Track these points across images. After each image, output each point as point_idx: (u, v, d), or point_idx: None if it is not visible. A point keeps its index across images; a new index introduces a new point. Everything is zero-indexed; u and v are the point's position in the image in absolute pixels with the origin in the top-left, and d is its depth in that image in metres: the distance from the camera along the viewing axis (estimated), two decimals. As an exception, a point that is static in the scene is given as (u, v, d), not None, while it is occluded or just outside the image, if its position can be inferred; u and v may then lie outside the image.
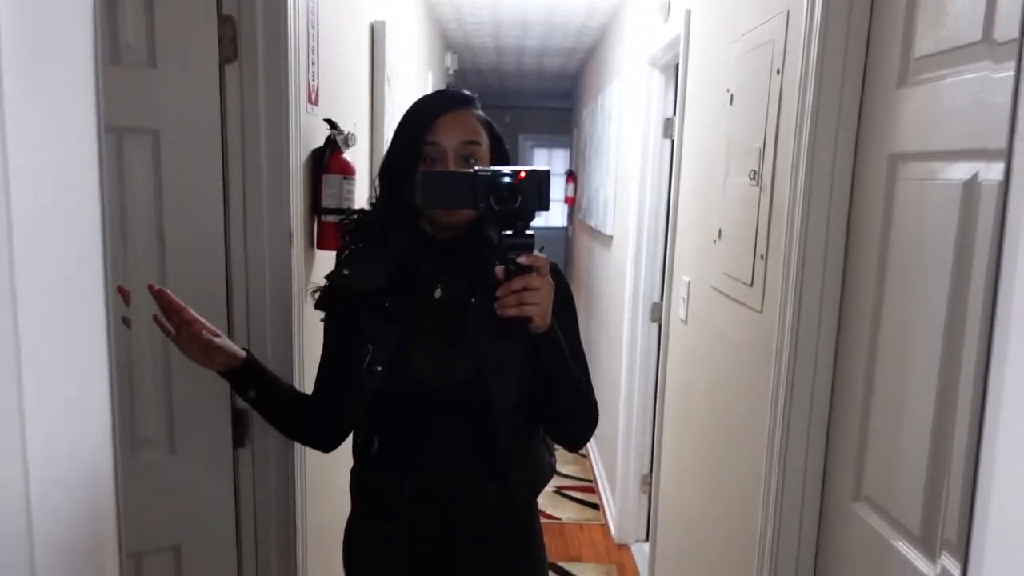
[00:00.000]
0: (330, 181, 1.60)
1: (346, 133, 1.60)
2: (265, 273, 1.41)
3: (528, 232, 1.03)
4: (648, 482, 3.09)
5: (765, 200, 1.42)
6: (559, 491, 3.82)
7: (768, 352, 1.38)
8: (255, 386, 1.26)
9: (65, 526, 0.67)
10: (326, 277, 1.23)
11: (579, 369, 1.19)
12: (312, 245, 1.66)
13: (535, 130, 9.04)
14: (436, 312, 1.19)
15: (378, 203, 1.25)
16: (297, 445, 1.52)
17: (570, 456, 4.30)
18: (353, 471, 1.30)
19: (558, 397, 1.17)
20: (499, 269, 1.01)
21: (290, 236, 1.42)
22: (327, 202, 1.61)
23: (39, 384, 0.57)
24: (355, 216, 1.27)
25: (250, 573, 1.52)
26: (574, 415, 1.21)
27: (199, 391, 1.40)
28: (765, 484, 1.44)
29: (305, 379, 1.55)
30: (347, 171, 1.60)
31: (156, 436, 1.39)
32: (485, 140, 1.19)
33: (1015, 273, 0.52)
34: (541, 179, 1.04)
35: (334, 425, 1.31)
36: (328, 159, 1.58)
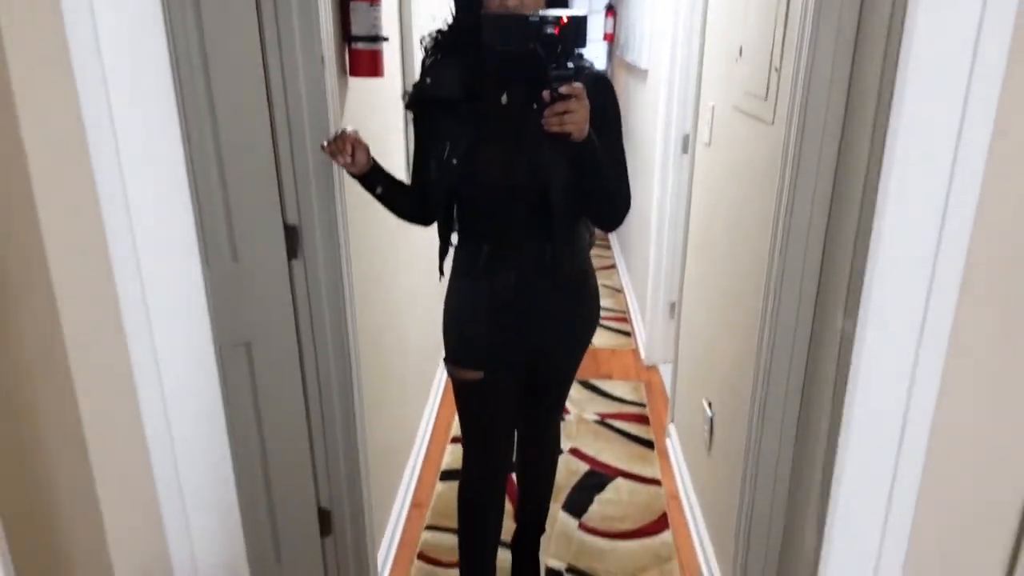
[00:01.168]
0: (358, 8, 1.65)
1: (371, -43, 1.63)
2: (302, 94, 1.51)
3: (569, 66, 1.30)
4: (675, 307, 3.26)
5: (782, 10, 1.44)
6: (594, 320, 4.04)
7: (777, 162, 1.46)
8: (381, 182, 1.58)
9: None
10: (413, 86, 1.55)
11: (618, 167, 1.50)
12: (345, 72, 1.74)
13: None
14: (503, 116, 1.47)
15: (453, 22, 1.50)
16: (343, 257, 1.69)
17: (604, 291, 4.49)
18: (441, 247, 1.66)
19: (595, 190, 1.46)
20: (545, 94, 1.28)
21: (322, 60, 1.50)
22: (356, 29, 1.68)
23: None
24: (435, 34, 1.51)
25: (311, 368, 1.75)
26: (606, 205, 1.52)
27: (253, 208, 1.56)
28: (765, 293, 1.57)
29: (345, 197, 1.69)
30: (373, -2, 1.65)
31: (221, 247, 1.57)
32: None
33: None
34: (580, 24, 1.30)
35: (429, 207, 1.63)
36: (355, -15, 1.63)
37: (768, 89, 1.52)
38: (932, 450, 0.80)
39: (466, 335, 1.66)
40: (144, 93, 0.96)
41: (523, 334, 1.65)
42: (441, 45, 1.52)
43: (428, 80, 1.51)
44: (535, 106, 1.29)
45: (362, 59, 1.69)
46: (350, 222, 1.78)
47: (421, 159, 1.61)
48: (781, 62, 1.44)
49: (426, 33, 1.55)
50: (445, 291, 1.72)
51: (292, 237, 1.64)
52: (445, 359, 1.71)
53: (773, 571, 1.78)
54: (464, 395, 1.70)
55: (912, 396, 0.75)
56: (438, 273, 1.71)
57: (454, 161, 1.49)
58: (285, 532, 1.84)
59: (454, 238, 1.67)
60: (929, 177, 0.73)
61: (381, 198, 1.62)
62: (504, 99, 1.47)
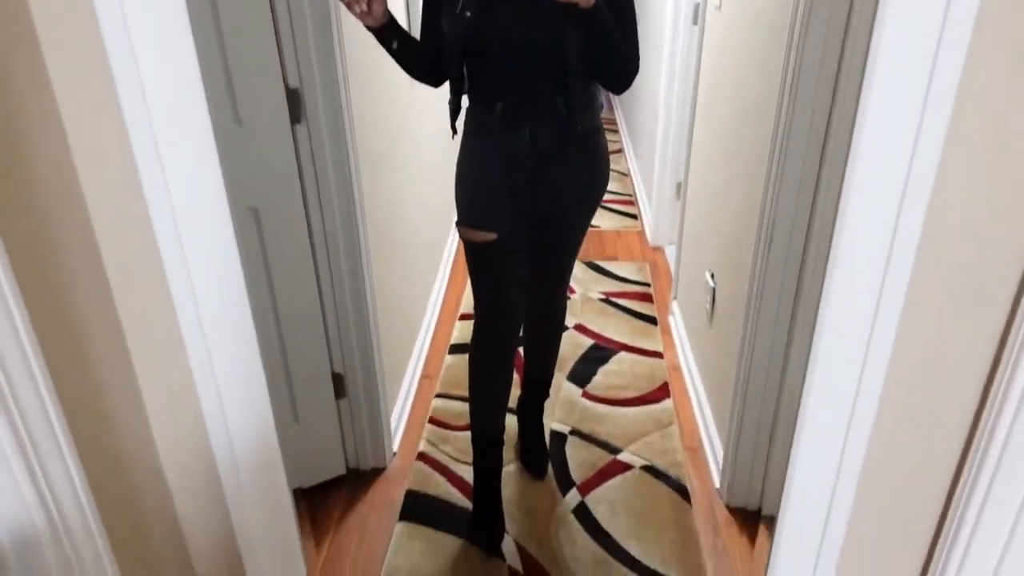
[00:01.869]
0: None
1: None
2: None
3: None
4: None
5: None
6: (600, 204, 4.03)
7: (786, 23, 1.42)
8: (397, 37, 1.56)
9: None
10: None
11: (627, 29, 1.51)
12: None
13: None
14: None
15: None
16: (347, 120, 1.68)
17: (612, 175, 4.46)
18: (452, 103, 1.64)
19: (605, 53, 1.49)
20: None
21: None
22: None
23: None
24: None
25: (319, 234, 1.78)
26: (616, 66, 1.55)
27: (253, 69, 1.54)
28: (770, 156, 1.56)
29: (346, 58, 1.66)
30: None
31: (224, 110, 1.56)
32: None
33: None
34: None
35: (440, 64, 1.63)
36: None
37: (783, -63, 1.46)
38: (908, 301, 0.82)
39: (480, 195, 1.67)
40: None
41: (537, 193, 1.67)
42: None
43: None
44: None
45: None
46: (355, 89, 1.76)
47: (432, 14, 1.60)
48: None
49: None
50: (457, 153, 1.72)
51: (294, 100, 1.62)
52: (458, 222, 1.73)
53: (767, 432, 1.86)
54: (478, 256, 1.73)
55: (891, 254, 0.77)
56: (451, 132, 1.70)
57: (467, 14, 1.48)
58: (301, 393, 1.92)
59: (465, 99, 1.66)
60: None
61: (396, 54, 1.59)
62: None
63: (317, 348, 1.90)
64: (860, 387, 0.89)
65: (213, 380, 1.10)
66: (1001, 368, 0.80)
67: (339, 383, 1.98)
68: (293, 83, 1.61)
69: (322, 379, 1.94)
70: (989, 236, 0.78)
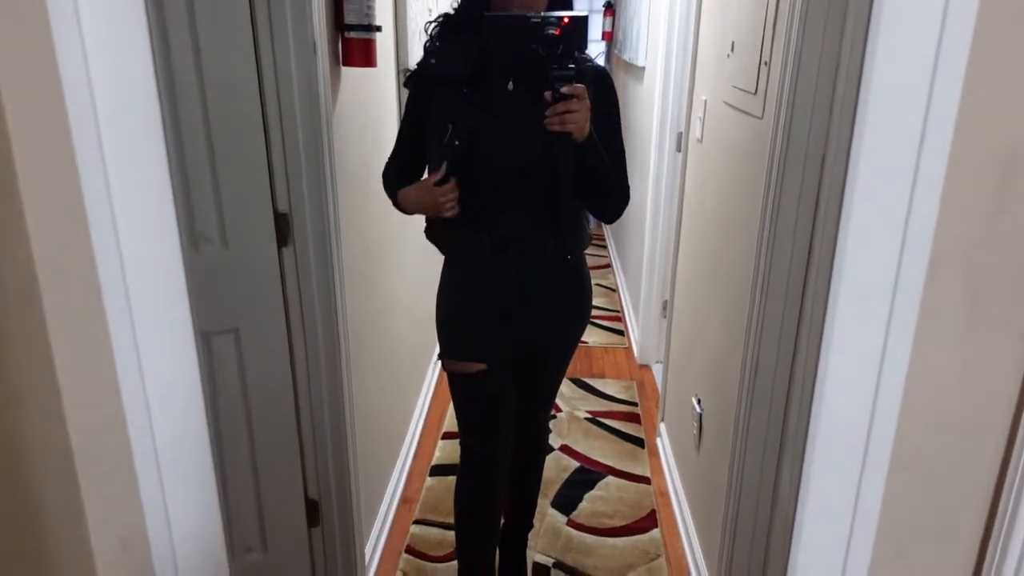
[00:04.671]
0: (352, -3, 1.66)
1: (365, -53, 1.63)
2: (293, 82, 1.51)
3: (570, 66, 1.33)
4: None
5: (772, 5, 1.44)
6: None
7: (765, 157, 1.47)
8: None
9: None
10: (417, 64, 1.55)
11: (616, 161, 1.53)
12: (339, 62, 1.75)
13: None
14: (509, 102, 1.48)
15: (459, 7, 1.50)
16: (334, 245, 1.69)
17: (600, 290, 4.50)
18: (437, 232, 1.64)
19: (596, 184, 1.51)
20: (547, 94, 1.32)
21: (314, 47, 1.51)
22: (350, 18, 1.68)
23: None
24: (440, 17, 1.51)
25: (300, 356, 1.75)
26: (607, 198, 1.57)
27: (243, 195, 1.57)
28: (752, 287, 1.57)
29: (336, 186, 1.69)
30: (367, -14, 1.66)
31: (211, 232, 1.57)
32: None
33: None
34: (580, 24, 1.33)
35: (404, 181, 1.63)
36: (349, -25, 1.63)
37: (758, 84, 1.53)
38: (899, 442, 0.80)
39: (469, 325, 1.65)
40: (128, 79, 0.95)
41: (524, 322, 1.65)
42: (446, 28, 1.52)
43: (433, 60, 1.51)
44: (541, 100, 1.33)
45: (355, 48, 1.69)
46: (342, 212, 1.78)
47: (418, 140, 1.60)
48: (771, 56, 1.45)
49: (431, 19, 1.55)
50: (439, 282, 1.72)
51: (283, 224, 1.64)
52: (442, 354, 1.70)
53: (759, 567, 1.78)
54: (465, 388, 1.69)
55: (880, 385, 0.76)
56: (443, 255, 1.70)
57: (456, 143, 1.49)
58: (272, 521, 1.84)
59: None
60: (895, 169, 0.73)
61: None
62: (511, 86, 1.49)
63: (292, 473, 1.83)
64: (856, 516, 0.85)
65: (164, 512, 1.05)
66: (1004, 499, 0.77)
67: (313, 510, 1.90)
68: (283, 208, 1.63)
69: (295, 506, 1.86)
70: (975, 376, 0.77)
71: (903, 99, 0.70)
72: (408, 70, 1.62)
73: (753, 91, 1.56)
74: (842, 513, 0.82)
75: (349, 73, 1.81)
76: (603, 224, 6.04)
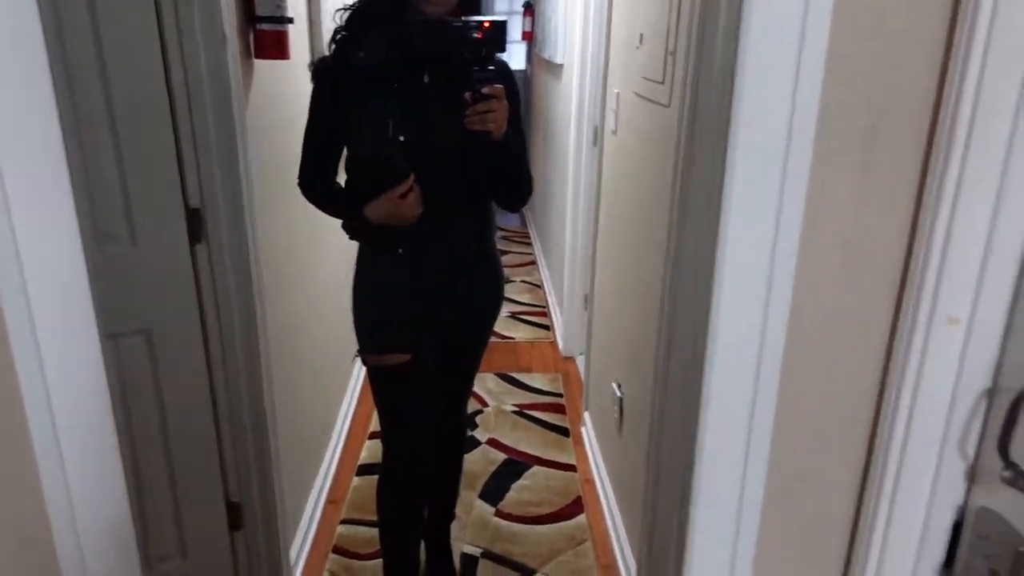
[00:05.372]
0: (262, -12, 1.63)
1: (274, -64, 1.61)
2: (203, 74, 1.48)
3: (490, 68, 1.41)
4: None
5: (676, -4, 1.51)
6: (513, 316, 4.08)
7: (673, 142, 1.52)
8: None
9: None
10: (332, 54, 1.49)
11: (522, 151, 1.57)
12: (250, 55, 1.71)
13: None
14: (427, 95, 1.50)
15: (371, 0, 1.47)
16: (250, 241, 1.66)
17: (525, 287, 4.56)
18: (357, 226, 1.59)
19: (507, 176, 1.55)
20: (468, 95, 1.38)
21: (224, 39, 1.48)
22: (261, 10, 1.65)
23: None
24: (352, 7, 1.48)
25: (217, 356, 1.71)
26: (516, 188, 1.61)
27: (152, 191, 1.52)
28: (664, 272, 1.62)
29: (252, 180, 1.66)
30: (277, -24, 1.63)
31: (118, 230, 1.52)
32: None
33: None
34: (500, 28, 1.41)
35: (326, 179, 1.61)
36: (258, -35, 1.61)
37: (664, 73, 1.59)
38: (783, 389, 0.86)
39: (390, 316, 1.65)
40: (18, 72, 0.91)
41: (445, 311, 1.66)
42: (358, 20, 1.49)
43: (362, 53, 1.47)
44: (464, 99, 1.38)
45: (267, 40, 1.67)
46: (258, 207, 1.75)
47: (334, 136, 1.56)
48: (676, 46, 1.51)
49: (341, 7, 1.52)
50: (354, 277, 1.70)
51: (195, 220, 1.60)
52: (363, 349, 1.68)
53: (682, 543, 1.84)
54: (388, 381, 1.68)
55: (763, 350, 0.81)
56: (368, 246, 1.67)
57: (401, 138, 1.47)
58: (192, 527, 1.78)
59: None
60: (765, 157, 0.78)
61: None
62: (426, 79, 1.50)
63: (212, 476, 1.78)
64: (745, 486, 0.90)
65: (71, 519, 1.01)
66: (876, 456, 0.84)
67: (235, 513, 1.85)
68: (195, 203, 1.59)
69: (216, 510, 1.81)
70: (848, 327, 0.83)
71: (772, 91, 0.75)
72: (315, 61, 1.54)
73: (660, 80, 1.62)
74: (734, 454, 0.87)
75: (262, 66, 1.78)
76: (529, 219, 6.10)
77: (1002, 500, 0.78)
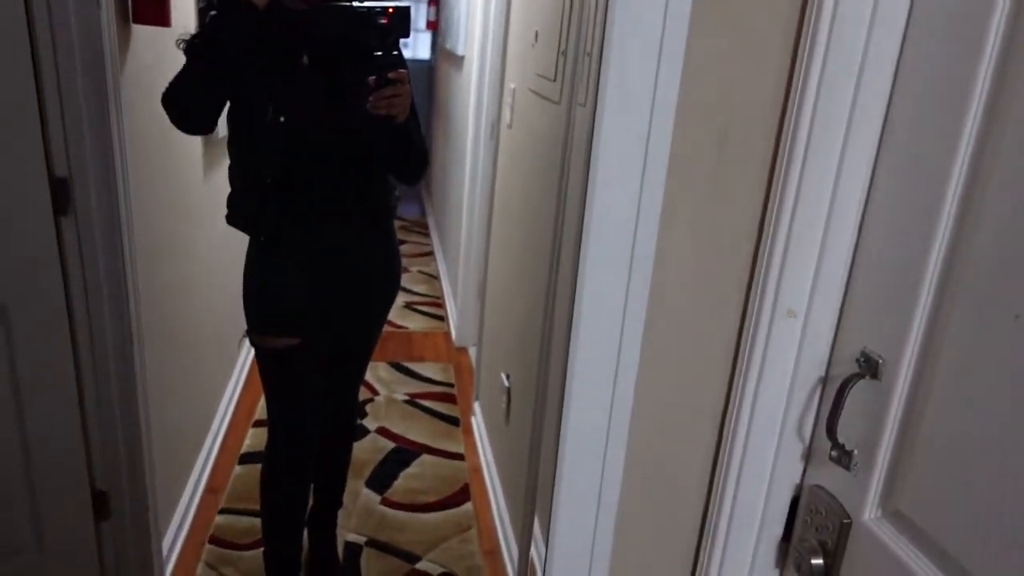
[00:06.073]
0: (143, -51, 1.55)
1: None
2: (73, 36, 1.39)
3: (395, 53, 1.42)
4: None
5: (568, -3, 1.55)
6: (408, 306, 4.06)
7: (561, 139, 1.56)
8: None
9: None
10: (205, 31, 1.47)
11: (416, 127, 1.59)
12: (128, 20, 1.63)
13: (401, -51, 8.47)
14: (308, 78, 1.48)
15: None
16: (123, 213, 1.57)
17: (421, 277, 4.54)
18: (243, 213, 1.58)
19: (405, 153, 1.58)
20: (372, 80, 1.39)
21: (98, 1, 1.40)
22: (141, -27, 1.57)
23: None
24: None
25: (83, 335, 1.61)
26: (413, 164, 1.63)
27: (11, 159, 1.42)
28: (550, 266, 1.67)
29: (126, 150, 1.58)
30: (160, -61, 1.56)
31: (-31, 197, 1.41)
32: None
33: None
34: (404, 15, 1.43)
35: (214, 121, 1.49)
36: (139, -76, 1.53)
37: (556, 71, 1.63)
38: (638, 390, 0.91)
39: (280, 298, 1.61)
40: None
41: (337, 295, 1.64)
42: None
43: (229, 33, 1.38)
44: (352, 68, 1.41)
45: (146, 4, 1.59)
46: (133, 180, 1.66)
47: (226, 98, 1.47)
48: (567, 46, 1.55)
49: None
50: (246, 258, 1.65)
51: (62, 191, 1.50)
52: (252, 329, 1.64)
53: (550, 529, 1.90)
54: (278, 363, 1.64)
55: (623, 335, 0.86)
56: (251, 236, 1.63)
57: (281, 119, 1.46)
58: (51, 517, 1.68)
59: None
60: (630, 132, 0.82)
61: (208, 69, 1.41)
62: (305, 60, 1.49)
63: (75, 463, 1.69)
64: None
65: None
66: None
67: (101, 502, 1.76)
68: (61, 172, 1.50)
69: (80, 498, 1.72)
70: (701, 321, 0.88)
71: (633, 94, 0.80)
72: (185, 38, 1.43)
73: (552, 78, 1.66)
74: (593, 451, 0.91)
75: (141, 32, 1.69)
76: (427, 210, 6.08)
77: (830, 477, 0.85)
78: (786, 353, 0.84)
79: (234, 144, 1.56)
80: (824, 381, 0.85)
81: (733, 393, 0.89)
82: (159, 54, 1.89)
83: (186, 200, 2.17)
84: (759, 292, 0.83)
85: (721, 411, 0.93)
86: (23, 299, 1.51)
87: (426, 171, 1.70)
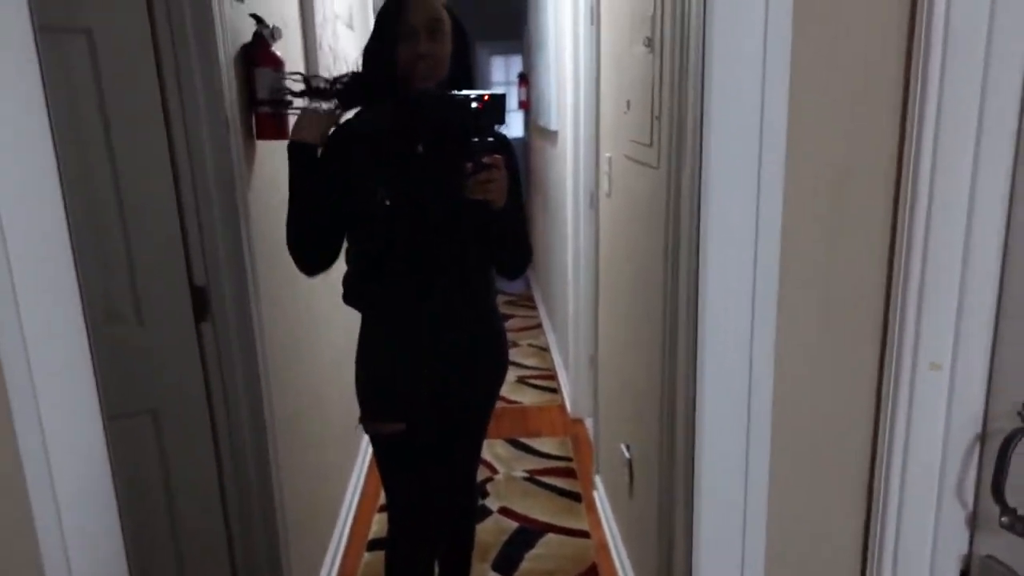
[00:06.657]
0: (262, 74, 1.71)
1: (272, 27, 1.70)
2: (206, 158, 1.53)
3: (489, 139, 1.47)
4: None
5: (657, 64, 1.57)
6: (521, 380, 4.07)
7: (663, 202, 1.56)
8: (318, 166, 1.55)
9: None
10: (339, 125, 1.59)
11: (522, 220, 1.63)
12: (252, 136, 1.78)
13: (490, 36, 8.88)
14: (422, 163, 1.56)
15: (364, 71, 1.57)
16: (255, 318, 1.68)
17: (531, 350, 4.56)
18: (358, 290, 1.65)
19: (507, 244, 1.62)
20: (468, 165, 1.44)
21: (227, 123, 1.54)
22: (261, 94, 1.73)
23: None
24: (349, 77, 1.57)
25: (224, 435, 1.71)
26: (515, 257, 1.67)
27: (158, 270, 1.56)
28: (663, 331, 1.64)
29: (255, 258, 1.70)
30: (276, 64, 1.71)
31: (124, 311, 1.55)
32: (447, 20, 1.53)
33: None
34: (499, 101, 1.48)
35: (334, 249, 1.62)
36: (257, 53, 1.69)
37: (652, 136, 1.64)
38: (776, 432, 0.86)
39: (385, 383, 1.66)
40: (28, 158, 0.94)
41: (443, 378, 1.67)
42: (356, 88, 1.57)
43: (364, 119, 1.57)
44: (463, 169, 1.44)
45: (267, 123, 1.73)
46: (263, 286, 1.78)
47: (336, 195, 1.58)
48: (661, 110, 1.56)
49: (338, 75, 1.59)
50: (357, 346, 1.72)
51: (201, 299, 1.63)
52: (363, 417, 1.70)
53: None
54: (387, 450, 1.68)
55: (751, 400, 0.82)
56: (364, 313, 1.71)
57: (387, 202, 1.53)
58: (199, 609, 1.75)
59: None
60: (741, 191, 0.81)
61: (308, 187, 1.57)
62: (420, 148, 1.57)
63: (219, 556, 1.76)
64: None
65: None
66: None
67: (243, 594, 1.82)
68: (200, 281, 1.63)
69: (222, 594, 1.79)
70: (834, 378, 0.83)
71: (739, 145, 0.79)
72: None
73: (648, 143, 1.67)
74: (731, 525, 0.86)
75: (264, 146, 1.85)
76: (533, 283, 6.15)
77: (1004, 546, 0.77)
78: (935, 410, 0.78)
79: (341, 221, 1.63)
80: (982, 438, 0.78)
81: (878, 459, 0.83)
82: (280, 165, 2.05)
83: (309, 299, 2.30)
84: (895, 346, 0.78)
85: (867, 479, 0.86)
86: (170, 403, 1.63)
87: (528, 266, 1.69)
